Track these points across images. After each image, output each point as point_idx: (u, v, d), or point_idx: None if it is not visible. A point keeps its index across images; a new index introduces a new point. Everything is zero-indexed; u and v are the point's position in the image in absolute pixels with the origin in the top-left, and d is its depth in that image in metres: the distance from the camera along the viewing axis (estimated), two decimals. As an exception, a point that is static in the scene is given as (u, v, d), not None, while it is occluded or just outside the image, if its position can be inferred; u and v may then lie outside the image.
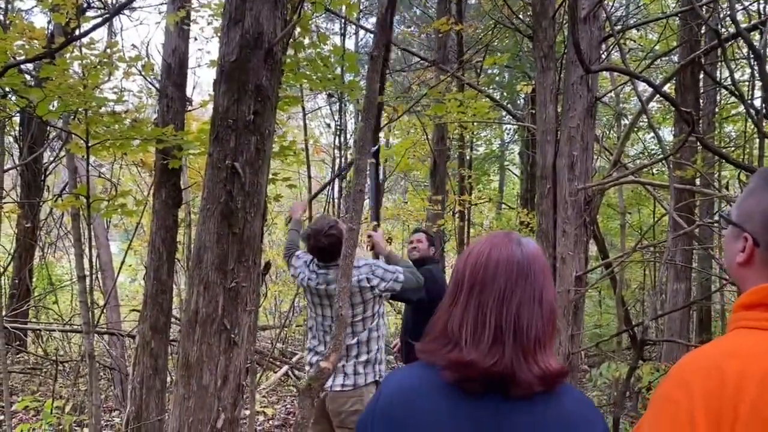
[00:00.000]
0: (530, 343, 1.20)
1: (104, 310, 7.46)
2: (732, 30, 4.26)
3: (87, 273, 5.36)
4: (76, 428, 6.19)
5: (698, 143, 6.35)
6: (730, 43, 5.70)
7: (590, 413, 1.25)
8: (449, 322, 1.26)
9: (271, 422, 7.04)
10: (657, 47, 9.19)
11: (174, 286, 6.34)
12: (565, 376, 1.25)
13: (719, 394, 1.03)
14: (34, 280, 10.64)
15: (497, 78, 12.88)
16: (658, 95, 4.64)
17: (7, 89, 5.00)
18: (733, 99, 9.57)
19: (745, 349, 1.09)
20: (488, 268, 1.24)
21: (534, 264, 1.25)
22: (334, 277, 3.78)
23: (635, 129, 9.58)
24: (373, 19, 14.39)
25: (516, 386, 1.18)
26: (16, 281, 9.86)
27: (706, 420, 1.02)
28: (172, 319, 6.24)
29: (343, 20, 10.90)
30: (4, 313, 6.65)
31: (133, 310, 8.79)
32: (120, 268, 7.63)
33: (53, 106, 4.88)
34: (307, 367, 4.44)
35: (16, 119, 9.35)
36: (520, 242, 1.28)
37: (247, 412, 5.16)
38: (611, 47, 6.12)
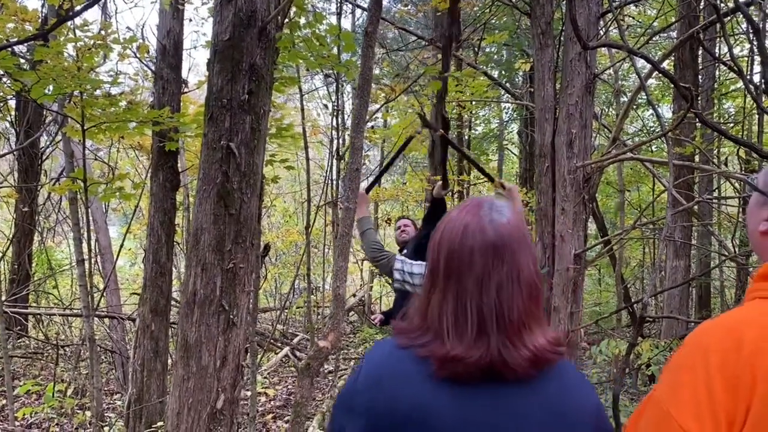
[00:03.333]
0: (514, 326, 1.16)
1: (104, 294, 7.47)
2: (731, 5, 4.23)
3: (86, 257, 5.36)
4: (78, 411, 6.21)
5: (697, 119, 6.33)
6: (729, 18, 5.66)
7: (587, 391, 1.23)
8: (429, 311, 1.23)
9: (272, 403, 7.07)
10: (655, 23, 9.13)
11: (173, 269, 6.35)
12: (559, 349, 1.21)
13: (736, 361, 1.02)
14: (33, 264, 10.64)
15: (495, 56, 12.81)
16: (656, 72, 4.61)
17: (0, 72, 4.96)
18: (731, 75, 9.52)
19: (764, 318, 1.08)
20: (463, 256, 1.19)
21: (509, 242, 1.19)
22: None
23: (634, 106, 9.53)
24: (370, -1, 14.27)
25: (509, 371, 1.14)
26: (16, 266, 9.86)
27: (724, 385, 1.01)
28: (172, 302, 6.25)
29: (339, -1, 10.79)
30: (4, 298, 6.65)
31: (133, 293, 8.81)
32: (119, 251, 7.63)
33: (48, 90, 4.85)
34: None
35: (12, 103, 9.32)
36: (492, 219, 1.21)
37: (249, 393, 5.18)
38: (609, 23, 6.06)
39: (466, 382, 1.16)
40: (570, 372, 1.23)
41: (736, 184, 6.41)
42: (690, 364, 1.07)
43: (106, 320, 7.55)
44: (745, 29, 7.41)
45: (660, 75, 8.75)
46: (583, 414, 1.17)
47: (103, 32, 5.06)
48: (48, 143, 10.17)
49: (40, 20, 5.03)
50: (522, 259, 1.20)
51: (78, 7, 4.84)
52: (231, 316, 2.76)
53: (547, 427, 1.14)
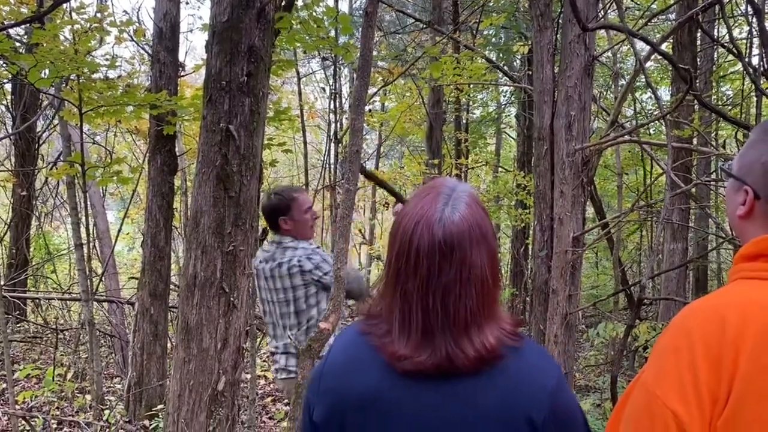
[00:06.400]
0: (461, 325, 1.15)
1: (102, 279, 7.48)
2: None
3: (84, 241, 5.36)
4: (78, 395, 6.24)
5: (696, 102, 6.32)
6: (728, -1, 5.64)
7: (544, 373, 1.20)
8: (383, 302, 1.24)
9: (272, 386, 7.10)
10: (654, 5, 9.09)
11: (172, 253, 6.35)
12: (516, 336, 1.20)
13: (720, 341, 1.05)
14: (31, 249, 10.63)
15: (493, 39, 12.75)
16: (656, 54, 4.59)
17: (-3, 56, 4.94)
18: (730, 57, 9.49)
19: (745, 299, 1.10)
20: (409, 258, 1.17)
21: (459, 241, 1.15)
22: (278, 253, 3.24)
23: (633, 89, 9.52)
24: (367, -19, 14.17)
25: (455, 369, 1.14)
26: (14, 251, 9.85)
27: (707, 366, 1.04)
28: (171, 286, 6.26)
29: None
30: (2, 282, 6.66)
31: (132, 277, 8.82)
32: (117, 236, 7.63)
33: (45, 74, 4.82)
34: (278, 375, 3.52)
35: (8, 87, 9.27)
36: (443, 216, 1.17)
37: (248, 376, 5.20)
38: (608, 5, 6.03)
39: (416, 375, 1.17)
40: (529, 354, 1.22)
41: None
42: (674, 346, 1.09)
43: (105, 304, 7.56)
44: (744, 11, 7.38)
45: (658, 58, 8.73)
46: (536, 397, 1.16)
47: (99, 15, 5.03)
48: (45, 127, 10.12)
49: (36, 3, 5.00)
50: (474, 255, 1.17)
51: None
52: (231, 299, 2.77)
53: (499, 412, 1.14)
